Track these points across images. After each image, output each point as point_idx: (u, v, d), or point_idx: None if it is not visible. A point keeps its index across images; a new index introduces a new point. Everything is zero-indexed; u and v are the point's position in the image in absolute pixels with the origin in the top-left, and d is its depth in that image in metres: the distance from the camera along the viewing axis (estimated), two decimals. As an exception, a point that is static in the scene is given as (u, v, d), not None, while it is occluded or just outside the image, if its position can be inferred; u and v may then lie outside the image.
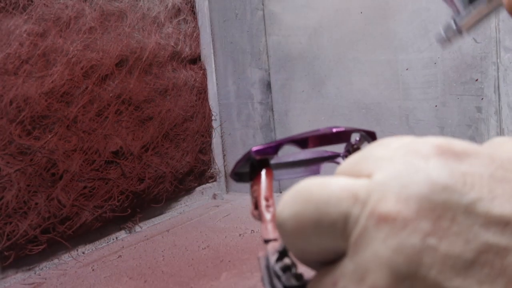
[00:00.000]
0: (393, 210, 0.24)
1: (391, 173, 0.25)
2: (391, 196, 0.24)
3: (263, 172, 0.46)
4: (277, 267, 0.35)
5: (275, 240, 0.41)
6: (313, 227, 0.27)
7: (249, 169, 0.48)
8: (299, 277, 0.35)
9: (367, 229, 0.24)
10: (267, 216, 0.43)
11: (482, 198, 0.23)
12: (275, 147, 0.47)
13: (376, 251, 0.23)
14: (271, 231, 0.42)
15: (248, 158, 0.48)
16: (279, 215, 0.29)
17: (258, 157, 0.46)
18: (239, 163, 0.49)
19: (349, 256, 0.25)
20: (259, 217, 0.44)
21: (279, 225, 0.29)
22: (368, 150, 0.28)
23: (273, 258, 0.37)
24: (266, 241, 0.40)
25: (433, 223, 0.23)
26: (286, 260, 0.38)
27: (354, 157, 0.29)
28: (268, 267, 0.38)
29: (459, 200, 0.23)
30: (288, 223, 0.28)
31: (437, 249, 0.23)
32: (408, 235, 0.23)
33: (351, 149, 0.52)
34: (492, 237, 0.22)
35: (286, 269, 0.35)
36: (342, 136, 0.50)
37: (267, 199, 0.44)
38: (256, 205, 0.45)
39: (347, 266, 0.25)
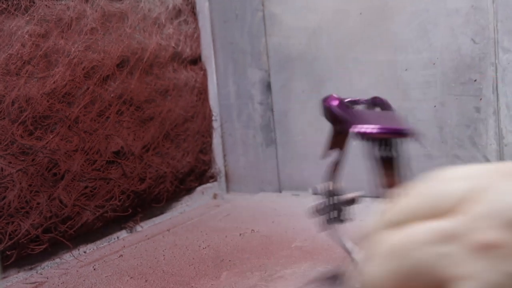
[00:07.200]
0: (495, 238, 0.22)
1: (484, 201, 0.24)
2: (488, 224, 0.23)
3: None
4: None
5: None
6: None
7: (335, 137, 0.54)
8: None
9: (470, 262, 0.23)
10: None
11: None
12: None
13: (486, 279, 0.23)
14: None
15: (349, 131, 0.53)
16: (370, 277, 0.28)
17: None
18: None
19: None
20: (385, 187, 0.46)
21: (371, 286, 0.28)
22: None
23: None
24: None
25: None
26: None
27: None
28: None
29: None
30: (385, 284, 0.27)
31: None
32: None
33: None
34: None
35: None
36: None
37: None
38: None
39: None
